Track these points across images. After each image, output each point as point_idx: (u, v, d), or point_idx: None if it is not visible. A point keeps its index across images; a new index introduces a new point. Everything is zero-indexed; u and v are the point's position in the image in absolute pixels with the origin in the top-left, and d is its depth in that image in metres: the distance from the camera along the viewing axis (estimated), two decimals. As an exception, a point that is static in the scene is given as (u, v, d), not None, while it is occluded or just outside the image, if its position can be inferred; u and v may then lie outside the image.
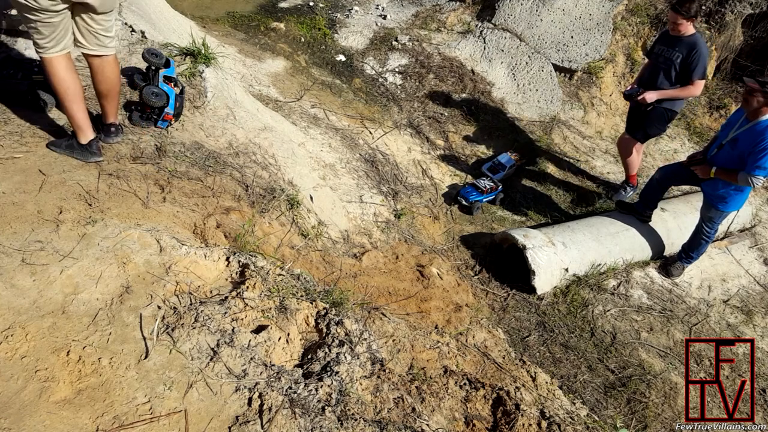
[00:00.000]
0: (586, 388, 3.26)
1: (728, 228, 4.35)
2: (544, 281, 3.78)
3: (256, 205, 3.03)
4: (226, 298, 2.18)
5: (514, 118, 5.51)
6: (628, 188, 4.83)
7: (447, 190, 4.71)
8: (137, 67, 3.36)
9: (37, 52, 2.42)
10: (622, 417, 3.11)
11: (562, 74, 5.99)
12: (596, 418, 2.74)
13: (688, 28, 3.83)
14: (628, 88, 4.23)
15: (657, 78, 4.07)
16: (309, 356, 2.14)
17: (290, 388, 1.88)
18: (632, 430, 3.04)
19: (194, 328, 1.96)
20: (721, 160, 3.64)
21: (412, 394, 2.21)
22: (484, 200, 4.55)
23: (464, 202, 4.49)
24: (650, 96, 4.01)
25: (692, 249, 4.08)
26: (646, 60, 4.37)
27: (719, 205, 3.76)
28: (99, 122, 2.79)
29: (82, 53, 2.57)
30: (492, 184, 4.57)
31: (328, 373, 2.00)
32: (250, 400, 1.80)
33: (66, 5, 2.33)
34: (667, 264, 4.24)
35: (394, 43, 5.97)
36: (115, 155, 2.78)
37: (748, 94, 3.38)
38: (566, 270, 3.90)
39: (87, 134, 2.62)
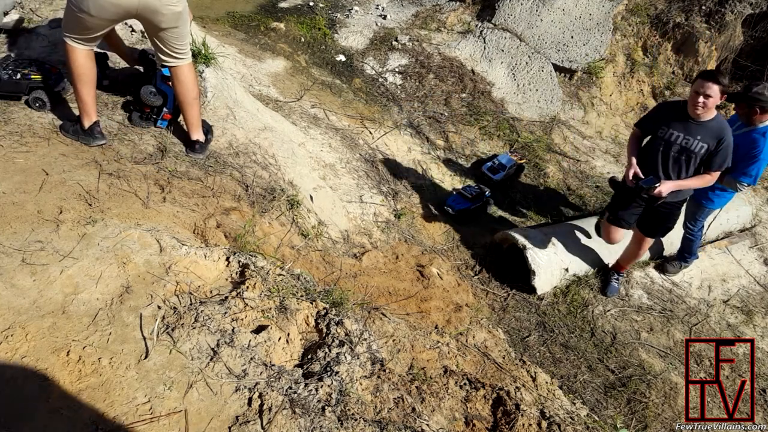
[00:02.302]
0: (586, 388, 3.26)
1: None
2: (544, 281, 3.78)
3: (256, 205, 3.03)
4: (226, 298, 2.18)
5: (514, 118, 5.51)
6: (619, 277, 3.98)
7: (432, 197, 4.49)
8: (136, 66, 3.36)
9: (63, 35, 2.58)
10: (622, 417, 3.11)
11: (562, 74, 5.99)
12: (596, 418, 2.74)
13: (713, 109, 3.05)
14: (644, 178, 3.21)
15: (673, 169, 3.23)
16: (309, 356, 2.14)
17: (290, 388, 1.88)
18: (632, 430, 3.04)
19: (194, 328, 1.96)
20: None
21: (412, 394, 2.21)
22: (472, 208, 4.36)
23: (451, 212, 4.31)
24: (667, 188, 3.16)
25: (684, 250, 4.14)
26: (635, 131, 3.43)
27: (704, 201, 3.81)
28: (187, 139, 3.07)
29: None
30: (479, 190, 4.39)
31: (328, 373, 2.00)
32: (250, 400, 1.80)
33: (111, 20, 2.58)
34: (665, 263, 4.26)
35: (394, 43, 5.97)
36: (115, 155, 2.78)
37: (742, 110, 3.42)
38: (566, 270, 3.90)
39: (90, 118, 2.75)
